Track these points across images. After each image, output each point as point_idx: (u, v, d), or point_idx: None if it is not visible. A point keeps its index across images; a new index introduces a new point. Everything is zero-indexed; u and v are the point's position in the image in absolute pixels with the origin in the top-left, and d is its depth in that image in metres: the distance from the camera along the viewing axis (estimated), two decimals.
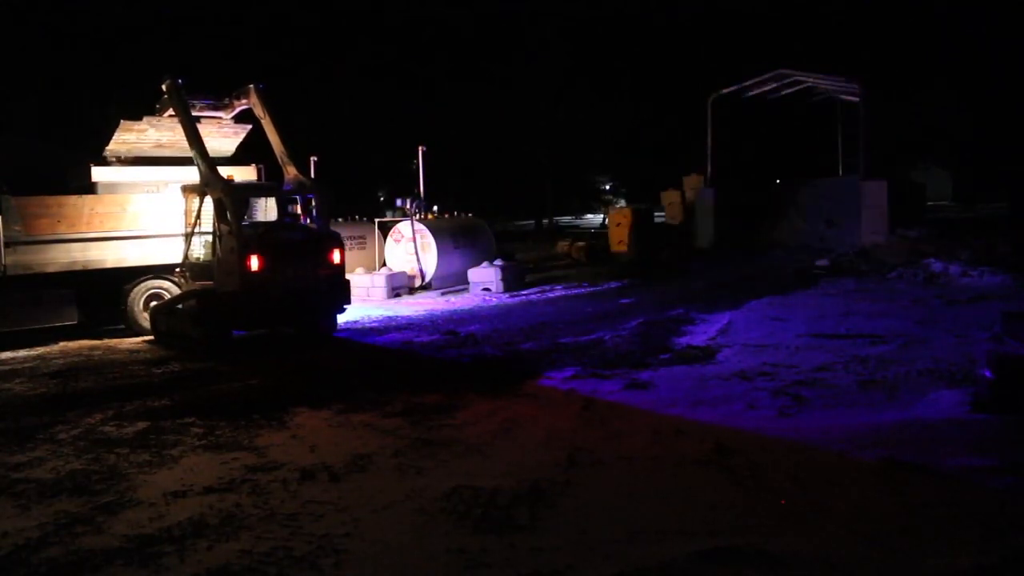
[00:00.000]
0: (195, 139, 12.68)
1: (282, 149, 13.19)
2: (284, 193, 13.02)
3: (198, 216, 12.57)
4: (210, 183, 12.22)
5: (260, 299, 11.56)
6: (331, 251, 12.36)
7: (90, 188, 13.45)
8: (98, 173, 13.61)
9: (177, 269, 13.14)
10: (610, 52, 38.86)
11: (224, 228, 11.85)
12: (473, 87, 37.69)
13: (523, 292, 17.70)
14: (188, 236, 12.78)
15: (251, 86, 13.55)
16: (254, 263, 11.46)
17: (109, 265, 13.21)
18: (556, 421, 7.16)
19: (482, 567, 4.28)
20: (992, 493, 5.04)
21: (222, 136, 14.55)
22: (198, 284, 12.43)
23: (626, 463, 5.89)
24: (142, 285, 13.64)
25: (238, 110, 14.11)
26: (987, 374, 6.73)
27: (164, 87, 13.31)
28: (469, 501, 5.18)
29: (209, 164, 12.43)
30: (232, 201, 11.92)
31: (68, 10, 30.64)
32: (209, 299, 11.94)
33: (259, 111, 13.45)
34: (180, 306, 12.70)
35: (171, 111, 13.54)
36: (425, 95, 39.59)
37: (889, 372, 8.39)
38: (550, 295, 17.24)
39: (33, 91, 28.96)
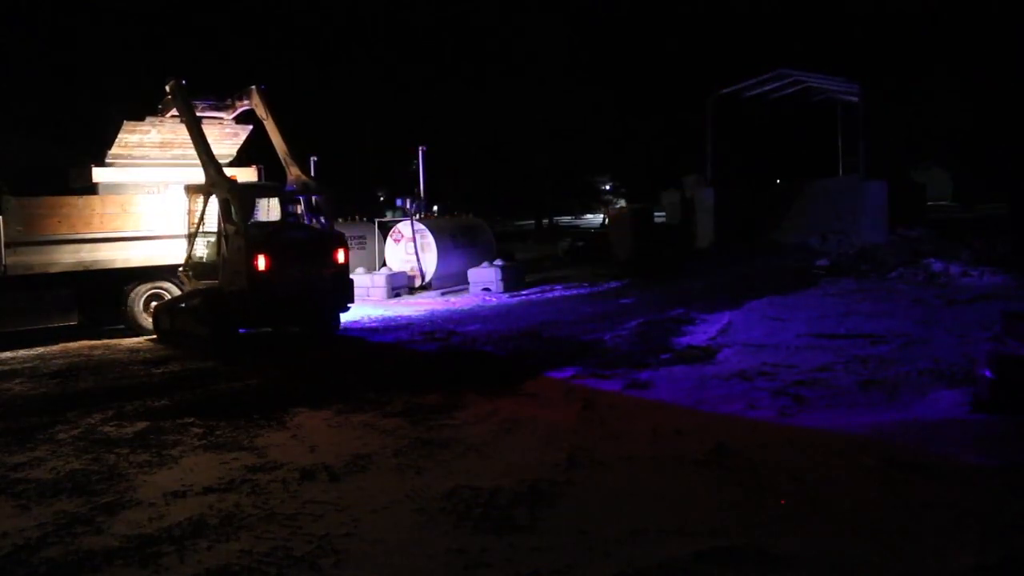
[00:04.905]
0: (200, 139, 12.73)
1: (285, 149, 13.23)
2: (287, 193, 13.06)
3: (202, 216, 12.59)
4: (216, 183, 12.25)
5: (267, 298, 11.60)
6: (336, 250, 12.42)
7: (92, 189, 13.46)
8: (99, 174, 13.65)
9: (180, 269, 13.14)
10: (610, 52, 38.92)
11: (231, 228, 11.86)
12: (473, 87, 37.71)
13: (523, 292, 17.71)
14: (191, 236, 12.79)
15: (253, 87, 13.57)
16: (261, 263, 11.51)
17: (111, 266, 13.23)
18: (556, 421, 7.15)
19: (482, 567, 4.27)
20: (992, 493, 5.04)
21: (223, 137, 14.56)
22: (203, 283, 12.46)
23: (626, 463, 5.88)
24: (143, 286, 13.67)
25: (239, 111, 14.12)
26: (987, 374, 6.71)
27: (168, 87, 13.35)
28: (469, 501, 5.17)
29: (215, 164, 12.49)
30: (239, 201, 11.95)
31: (69, 9, 30.66)
32: (215, 297, 11.97)
33: (261, 112, 13.47)
34: (184, 304, 12.73)
35: (174, 112, 13.57)
36: (425, 95, 39.61)
37: (889, 372, 8.39)
38: (550, 295, 17.24)
39: (33, 91, 28.97)
